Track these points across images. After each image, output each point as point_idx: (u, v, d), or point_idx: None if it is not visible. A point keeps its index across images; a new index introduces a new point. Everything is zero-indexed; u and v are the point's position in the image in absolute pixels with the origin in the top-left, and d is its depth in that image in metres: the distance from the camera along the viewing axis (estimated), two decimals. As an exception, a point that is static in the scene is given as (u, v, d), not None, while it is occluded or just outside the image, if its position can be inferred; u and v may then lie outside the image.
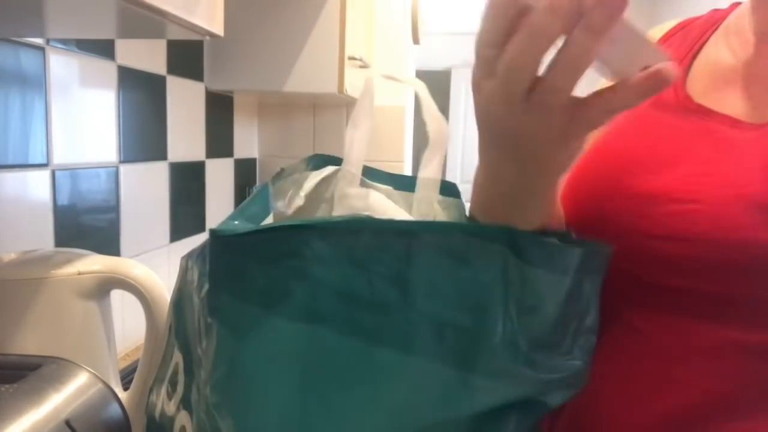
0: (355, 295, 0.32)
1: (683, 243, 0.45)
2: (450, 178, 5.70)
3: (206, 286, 0.39)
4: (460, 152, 4.79)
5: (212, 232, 0.38)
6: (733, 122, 0.48)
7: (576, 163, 0.53)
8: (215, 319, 0.37)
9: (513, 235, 0.33)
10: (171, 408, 0.40)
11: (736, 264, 0.43)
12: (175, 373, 0.41)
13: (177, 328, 0.42)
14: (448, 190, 0.53)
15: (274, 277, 0.33)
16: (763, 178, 0.44)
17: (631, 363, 0.51)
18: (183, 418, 0.38)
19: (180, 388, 0.39)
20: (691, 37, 0.57)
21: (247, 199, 0.47)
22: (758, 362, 0.45)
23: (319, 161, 0.53)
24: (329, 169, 0.53)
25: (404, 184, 0.54)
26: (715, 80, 0.52)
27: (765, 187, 0.44)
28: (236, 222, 0.43)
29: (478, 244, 0.32)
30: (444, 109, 5.76)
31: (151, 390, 0.46)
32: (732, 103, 0.49)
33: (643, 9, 4.27)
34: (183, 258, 0.43)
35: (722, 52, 0.54)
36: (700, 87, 0.53)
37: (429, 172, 0.47)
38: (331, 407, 0.33)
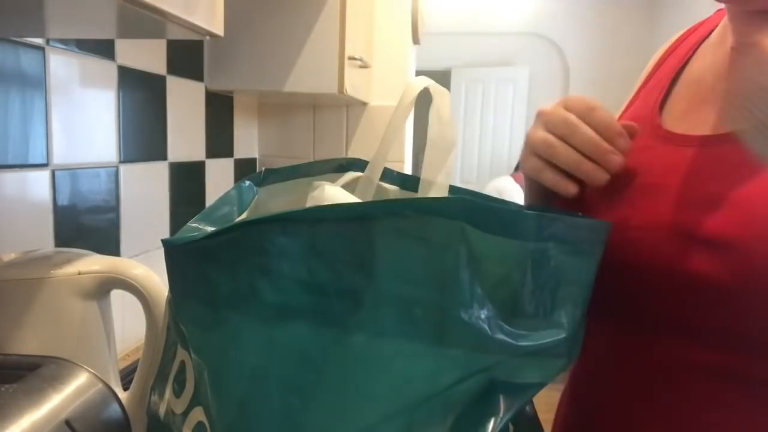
0: (322, 286, 0.32)
1: (631, 269, 0.47)
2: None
3: (169, 295, 0.39)
4: (460, 152, 4.79)
5: (165, 242, 0.37)
6: (690, 140, 0.48)
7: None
8: (185, 326, 0.37)
9: (467, 205, 0.33)
10: (180, 406, 0.40)
11: (670, 290, 0.44)
12: (182, 370, 0.41)
13: (177, 326, 0.42)
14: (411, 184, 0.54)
15: (240, 278, 0.33)
16: (688, 202, 0.45)
17: (608, 373, 0.52)
18: (199, 414, 0.38)
19: (190, 385, 0.39)
20: (683, 53, 0.57)
21: (214, 201, 0.47)
22: (719, 384, 0.45)
23: (349, 165, 0.54)
24: (350, 176, 0.53)
25: (411, 184, 0.55)
26: (692, 102, 0.52)
27: (689, 216, 0.44)
28: (198, 226, 0.42)
29: (433, 221, 0.32)
30: (444, 109, 5.65)
31: (152, 389, 0.46)
32: (704, 124, 0.49)
33: (641, 11, 4.27)
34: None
35: (706, 68, 0.53)
36: (678, 110, 0.53)
37: (440, 178, 0.47)
38: (315, 401, 0.33)
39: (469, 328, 0.33)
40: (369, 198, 0.53)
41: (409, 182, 0.55)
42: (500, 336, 0.34)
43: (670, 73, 0.56)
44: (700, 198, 0.45)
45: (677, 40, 0.60)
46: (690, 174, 0.46)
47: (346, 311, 0.32)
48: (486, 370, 0.34)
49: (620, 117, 0.60)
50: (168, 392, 0.42)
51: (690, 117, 0.51)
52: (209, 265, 0.34)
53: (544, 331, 0.37)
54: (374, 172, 0.51)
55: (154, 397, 0.45)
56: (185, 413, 0.39)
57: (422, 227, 0.32)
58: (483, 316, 0.33)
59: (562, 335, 0.37)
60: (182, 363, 0.41)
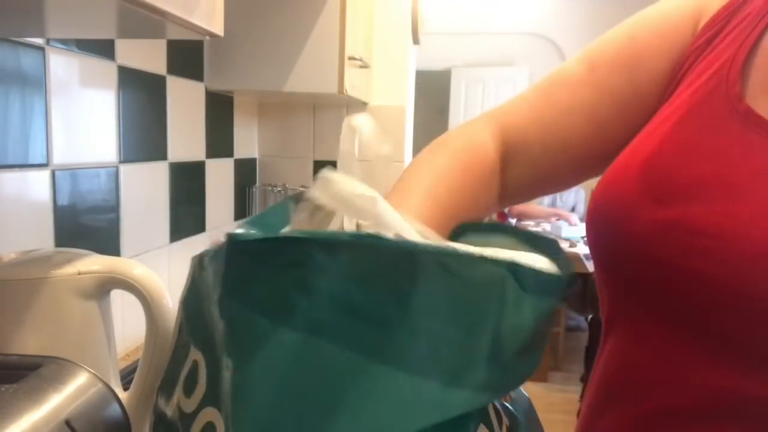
0: (356, 309, 0.33)
1: (698, 282, 0.40)
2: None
3: (219, 290, 0.39)
4: (460, 152, 4.79)
5: (230, 236, 0.38)
6: None
7: (612, 164, 0.48)
8: (224, 324, 0.37)
9: (514, 266, 0.34)
10: (190, 406, 0.40)
11: (748, 314, 0.38)
12: (194, 370, 0.41)
13: (192, 326, 0.42)
14: None
15: (279, 286, 0.34)
16: None
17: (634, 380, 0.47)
18: (208, 415, 0.38)
19: (202, 385, 0.40)
20: (756, 11, 0.46)
21: (268, 209, 0.47)
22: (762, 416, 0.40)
23: None
24: None
25: None
26: None
27: None
28: (253, 230, 0.43)
29: (479, 263, 0.33)
30: (444, 109, 5.69)
31: (161, 389, 0.46)
32: None
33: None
34: (196, 257, 0.43)
35: None
36: (759, 79, 0.43)
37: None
38: (324, 418, 0.33)
39: (485, 372, 0.34)
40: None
41: None
42: (503, 380, 0.35)
43: (750, 27, 0.45)
44: None
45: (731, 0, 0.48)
46: None
47: (375, 338, 0.33)
48: (483, 411, 0.36)
49: (697, 47, 0.49)
50: (177, 393, 0.43)
51: None
52: (260, 267, 0.35)
53: (525, 375, 0.38)
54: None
55: (161, 399, 0.45)
56: (195, 413, 0.40)
57: (467, 267, 0.33)
58: (497, 363, 0.34)
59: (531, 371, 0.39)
60: (195, 363, 0.41)
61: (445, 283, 0.33)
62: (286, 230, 0.40)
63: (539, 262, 0.37)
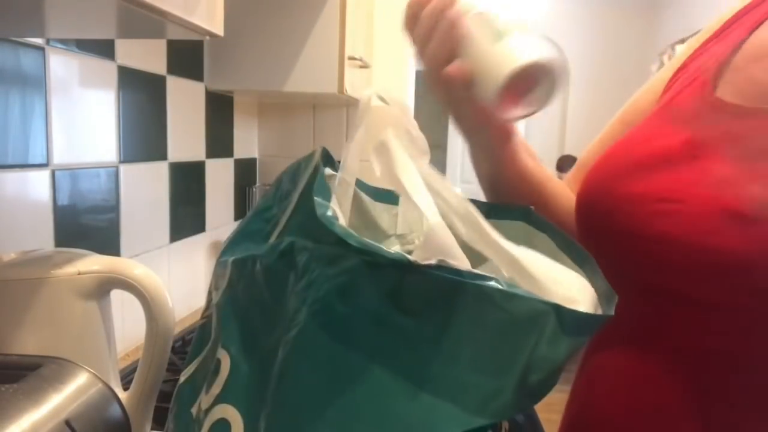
0: (392, 327, 0.33)
1: (662, 244, 0.45)
2: (450, 177, 5.58)
3: (215, 296, 0.39)
4: (460, 152, 4.79)
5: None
6: (745, 112, 0.46)
7: (593, 163, 0.55)
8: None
9: (561, 309, 0.33)
10: (206, 402, 0.41)
11: (711, 270, 0.42)
12: (216, 368, 0.41)
13: (226, 328, 0.42)
14: None
15: (319, 288, 0.34)
16: (745, 179, 0.42)
17: (619, 359, 0.50)
18: (222, 412, 0.39)
19: (220, 383, 0.40)
20: (762, 11, 0.52)
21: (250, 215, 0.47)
22: (742, 374, 0.43)
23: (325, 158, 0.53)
24: (327, 171, 0.53)
25: (382, 196, 0.54)
26: (754, 69, 0.48)
27: (743, 192, 0.42)
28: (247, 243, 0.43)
29: (525, 303, 0.32)
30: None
31: (190, 380, 0.46)
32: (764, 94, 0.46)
33: (642, 12, 4.27)
34: (237, 260, 0.43)
35: None
36: (732, 78, 0.49)
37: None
38: (337, 428, 0.33)
39: (510, 400, 0.33)
40: (348, 203, 0.52)
41: (379, 194, 0.54)
42: (526, 404, 0.35)
43: (741, 34, 0.52)
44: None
45: (750, 4, 0.55)
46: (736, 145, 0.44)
47: (406, 359, 0.33)
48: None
49: (680, 69, 0.57)
50: (204, 387, 0.43)
51: (750, 85, 0.47)
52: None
53: (548, 391, 0.38)
54: (350, 176, 0.49)
55: (188, 389, 0.45)
56: (208, 410, 0.40)
57: (510, 301, 0.32)
58: (524, 391, 0.34)
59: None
60: (218, 361, 0.41)
61: (483, 312, 0.32)
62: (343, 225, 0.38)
63: (583, 294, 0.36)
